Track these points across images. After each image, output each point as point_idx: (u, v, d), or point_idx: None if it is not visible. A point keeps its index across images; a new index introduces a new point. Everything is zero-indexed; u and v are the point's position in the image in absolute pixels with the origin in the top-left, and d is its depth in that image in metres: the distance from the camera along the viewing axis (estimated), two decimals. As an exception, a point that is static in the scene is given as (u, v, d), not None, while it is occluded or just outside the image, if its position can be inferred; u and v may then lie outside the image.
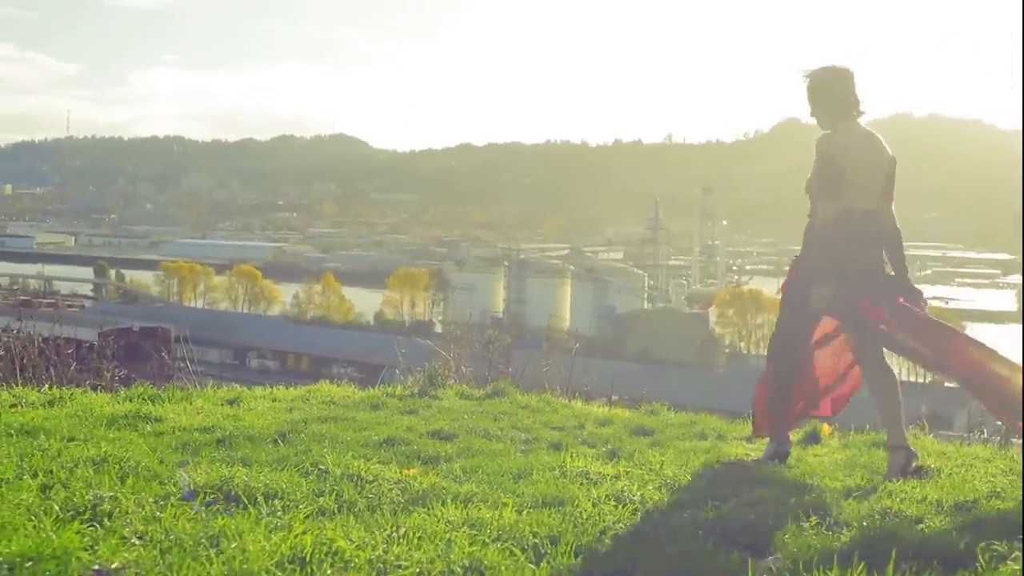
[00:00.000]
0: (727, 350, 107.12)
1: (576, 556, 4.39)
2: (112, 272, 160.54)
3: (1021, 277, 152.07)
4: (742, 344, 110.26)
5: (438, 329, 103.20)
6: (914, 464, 6.77)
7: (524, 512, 5.05)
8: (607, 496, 5.52)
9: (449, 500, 5.24)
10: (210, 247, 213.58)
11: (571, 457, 6.60)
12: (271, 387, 10.00)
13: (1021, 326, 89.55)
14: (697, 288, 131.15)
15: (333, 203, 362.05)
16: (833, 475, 6.54)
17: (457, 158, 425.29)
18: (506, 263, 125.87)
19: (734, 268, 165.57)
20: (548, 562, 4.30)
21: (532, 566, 4.20)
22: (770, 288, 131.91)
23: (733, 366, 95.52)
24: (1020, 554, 4.39)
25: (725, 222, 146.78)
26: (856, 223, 6.79)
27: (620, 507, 5.27)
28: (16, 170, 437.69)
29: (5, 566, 3.79)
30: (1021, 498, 5.46)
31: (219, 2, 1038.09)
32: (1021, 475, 6.04)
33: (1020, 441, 7.39)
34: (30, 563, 3.82)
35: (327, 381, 10.64)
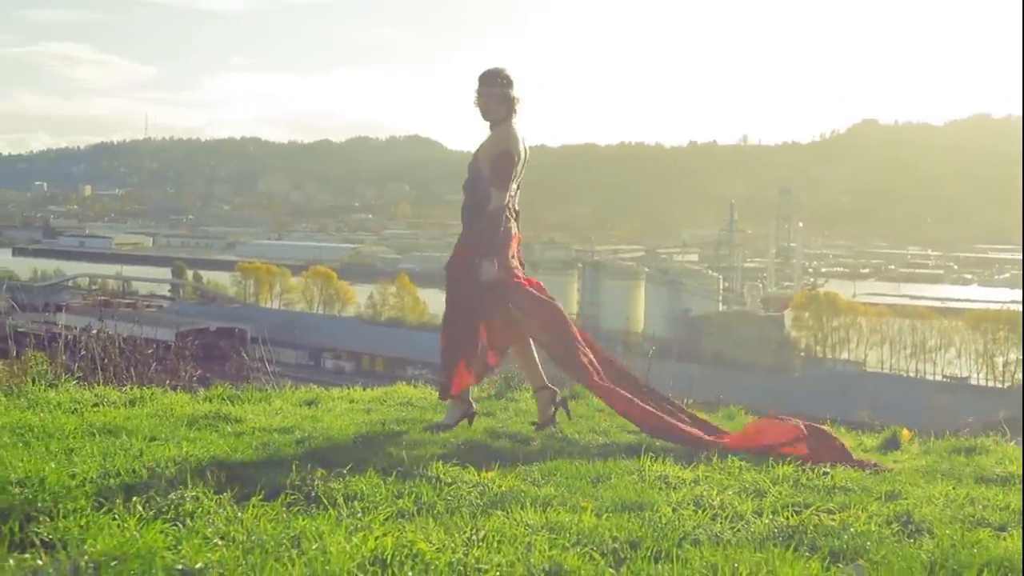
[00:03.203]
0: (803, 353, 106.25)
1: (656, 561, 4.37)
2: (189, 273, 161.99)
3: (1022, 272, 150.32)
4: (818, 347, 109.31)
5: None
6: (559, 398, 8.18)
7: (603, 516, 5.03)
8: (686, 501, 5.49)
9: (528, 503, 5.24)
10: (286, 248, 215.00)
11: (649, 461, 6.58)
12: (348, 388, 10.02)
13: (1021, 321, 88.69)
14: (773, 291, 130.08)
15: (408, 204, 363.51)
16: (914, 481, 6.47)
17: (531, 159, 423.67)
18: (580, 265, 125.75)
19: (810, 270, 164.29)
20: (628, 567, 4.28)
21: (612, 570, 4.19)
22: (846, 291, 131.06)
23: (809, 370, 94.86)
24: (1021, 548, 4.35)
25: (801, 224, 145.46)
26: (510, 207, 8.01)
27: (700, 512, 5.24)
28: (95, 172, 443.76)
29: (91, 565, 3.83)
30: (1021, 499, 5.43)
31: (290, 6, 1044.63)
32: (1021, 478, 6.01)
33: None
34: (115, 562, 3.86)
35: (403, 382, 10.67)
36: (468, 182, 8.04)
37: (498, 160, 7.84)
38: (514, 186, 8.00)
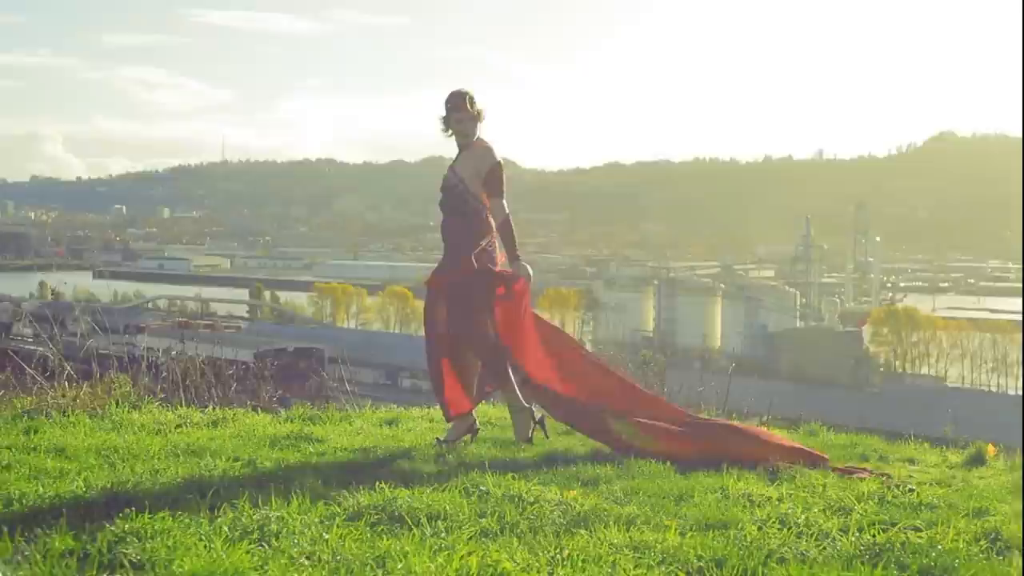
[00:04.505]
0: (882, 369, 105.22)
1: (742, 580, 4.35)
2: (267, 293, 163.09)
3: (1022, 282, 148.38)
4: (897, 363, 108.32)
5: (589, 349, 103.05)
6: (538, 417, 8.15)
7: (687, 535, 5.00)
8: (771, 519, 5.44)
9: (611, 522, 5.22)
10: (362, 268, 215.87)
11: (732, 479, 6.54)
12: (427, 408, 10.05)
13: (1021, 332, 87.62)
14: (850, 306, 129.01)
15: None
16: (1001, 498, 6.39)
17: (606, 177, 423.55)
18: (656, 281, 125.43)
19: (888, 285, 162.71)
20: (714, 586, 4.25)
21: (698, 590, 4.16)
22: (926, 305, 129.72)
23: (888, 385, 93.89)
24: (1020, 553, 4.29)
25: (879, 238, 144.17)
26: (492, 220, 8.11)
27: (785, 530, 5.19)
28: (173, 194, 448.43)
29: (180, 585, 3.87)
30: (1022, 502, 5.37)
31: (363, 28, 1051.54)
32: (1021, 480, 5.94)
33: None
34: (203, 582, 3.90)
35: (482, 401, 10.66)
36: (451, 200, 8.11)
37: (493, 173, 8.03)
38: None
